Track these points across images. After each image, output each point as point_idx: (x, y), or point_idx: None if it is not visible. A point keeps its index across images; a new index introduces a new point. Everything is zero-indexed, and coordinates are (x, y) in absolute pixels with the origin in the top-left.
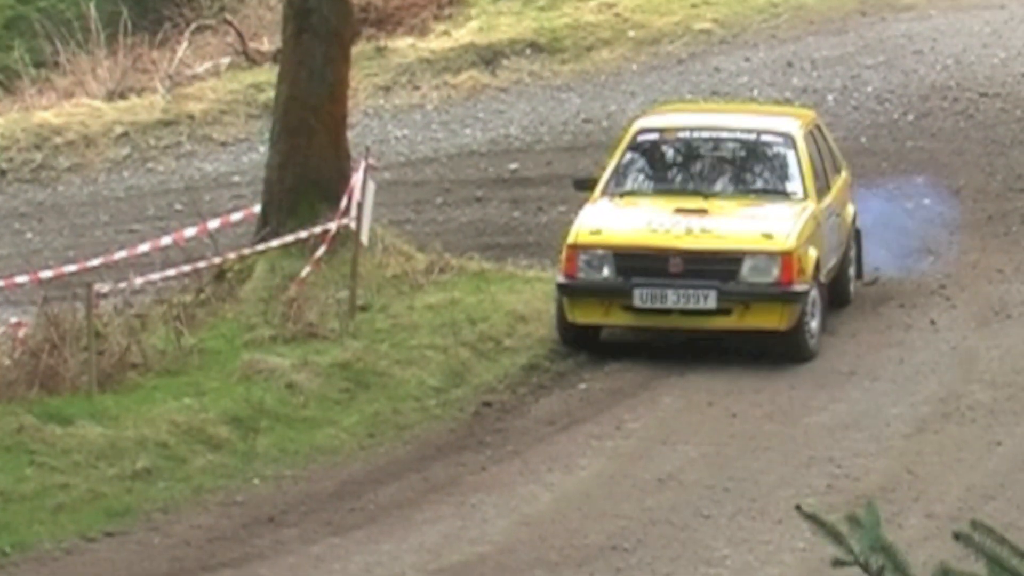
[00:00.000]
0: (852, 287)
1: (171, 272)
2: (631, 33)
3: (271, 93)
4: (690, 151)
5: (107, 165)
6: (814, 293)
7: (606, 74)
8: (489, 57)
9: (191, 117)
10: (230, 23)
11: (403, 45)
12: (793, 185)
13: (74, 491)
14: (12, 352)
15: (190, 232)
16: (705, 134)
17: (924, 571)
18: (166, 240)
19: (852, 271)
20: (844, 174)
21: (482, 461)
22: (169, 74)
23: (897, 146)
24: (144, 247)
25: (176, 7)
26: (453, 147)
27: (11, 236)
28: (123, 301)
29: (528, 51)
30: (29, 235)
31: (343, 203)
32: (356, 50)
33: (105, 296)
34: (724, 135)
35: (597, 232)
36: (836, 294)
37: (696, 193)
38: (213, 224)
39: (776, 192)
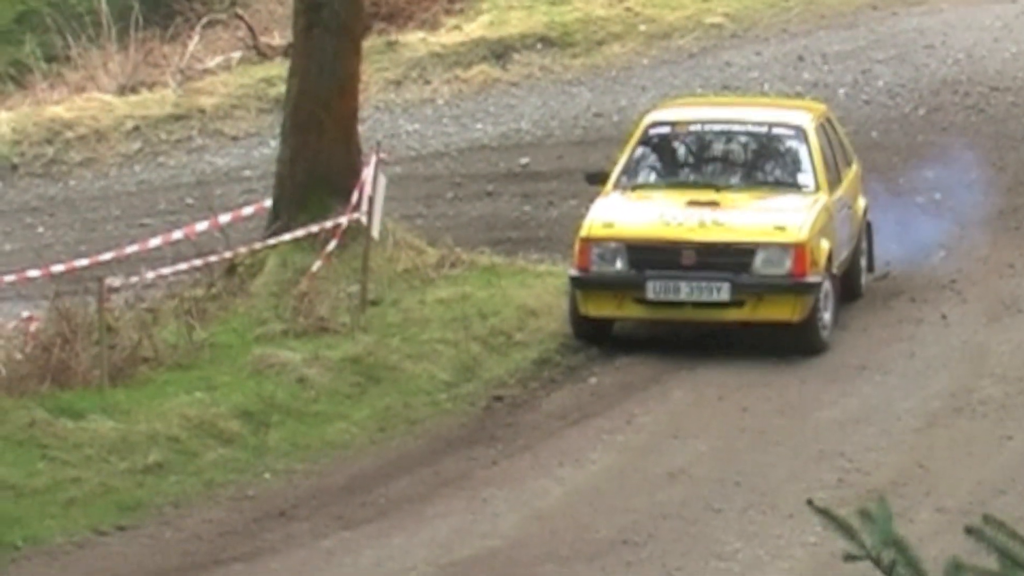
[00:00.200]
0: (864, 280)
1: (182, 266)
2: (642, 27)
3: (282, 87)
4: (702, 144)
5: (118, 159)
6: (827, 285)
7: (617, 68)
8: (500, 51)
9: (202, 111)
10: (241, 17)
11: (414, 39)
12: (805, 177)
13: (86, 485)
14: (24, 346)
15: (201, 226)
16: (717, 127)
17: (935, 566)
18: (177, 234)
19: (863, 264)
20: (855, 167)
21: (493, 455)
22: (180, 68)
23: (908, 140)
24: (155, 241)
25: (187, 1)
26: (464, 141)
27: (23, 230)
28: (134, 295)
29: (539, 45)
30: (41, 229)
31: (354, 197)
32: (367, 44)
33: (116, 290)
34: (736, 128)
35: (610, 225)
36: (848, 287)
37: (708, 186)
38: (224, 218)
39: (788, 184)
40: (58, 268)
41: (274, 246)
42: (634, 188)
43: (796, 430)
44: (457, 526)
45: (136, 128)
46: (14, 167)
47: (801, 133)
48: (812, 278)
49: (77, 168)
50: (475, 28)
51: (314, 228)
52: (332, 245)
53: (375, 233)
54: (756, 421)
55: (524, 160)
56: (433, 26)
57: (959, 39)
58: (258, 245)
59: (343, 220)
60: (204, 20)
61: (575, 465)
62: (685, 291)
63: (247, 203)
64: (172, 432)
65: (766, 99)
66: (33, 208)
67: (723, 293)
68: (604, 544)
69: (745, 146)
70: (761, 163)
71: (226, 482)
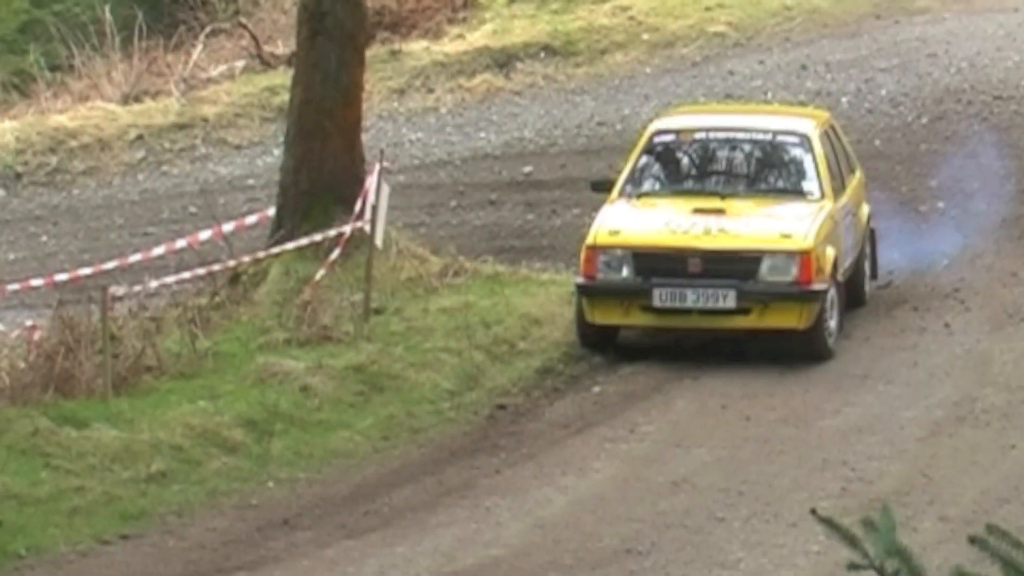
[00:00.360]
0: (867, 287)
1: (186, 275)
2: (645, 36)
3: (285, 96)
4: (706, 152)
5: (122, 168)
6: (832, 292)
7: (620, 77)
8: (503, 60)
9: (205, 120)
10: (244, 26)
11: (417, 48)
12: (810, 185)
13: (89, 494)
14: (27, 355)
15: (205, 235)
16: (721, 135)
17: (939, 575)
18: (181, 243)
19: (867, 271)
20: (858, 174)
21: (496, 464)
22: (184, 77)
23: (911, 149)
24: (159, 250)
25: (191, 11)
26: (467, 150)
27: (26, 239)
28: (138, 304)
29: (542, 54)
30: (44, 238)
31: (357, 206)
32: (370, 53)
33: (120, 299)
34: (740, 136)
35: (616, 233)
36: (851, 294)
37: (713, 194)
38: (228, 227)
39: (793, 192)
40: (62, 277)
41: (277, 255)
42: (639, 196)
43: (799, 439)
44: (460, 535)
45: (140, 137)
46: (18, 176)
47: (805, 141)
48: (818, 285)
49: (81, 177)
50: (478, 37)
51: (317, 237)
52: (335, 254)
53: (378, 242)
54: (759, 430)
55: (527, 169)
56: (436, 35)
57: (962, 48)
58: (261, 254)
59: (346, 229)
60: (208, 29)
61: (578, 474)
62: (691, 299)
63: (250, 212)
64: (175, 441)
65: (770, 107)
66: (37, 217)
67: (729, 301)
68: (607, 553)
69: (749, 154)
70: (766, 171)
71: (229, 491)
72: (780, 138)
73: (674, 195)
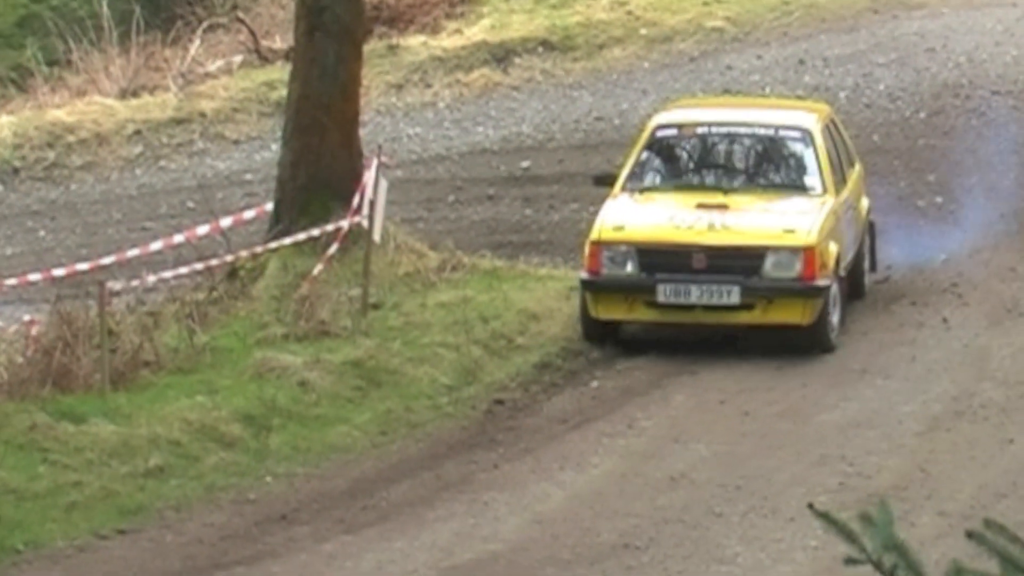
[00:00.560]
0: (867, 280)
1: (183, 270)
2: (643, 31)
3: (283, 91)
4: (708, 146)
5: (120, 163)
6: (835, 287)
7: (618, 72)
8: (501, 55)
9: (203, 115)
10: (242, 21)
11: (415, 43)
12: (812, 179)
13: (87, 489)
14: (25, 350)
15: (202, 230)
16: (723, 129)
17: (937, 570)
18: (179, 238)
19: (866, 264)
20: (858, 167)
21: (494, 459)
22: (181, 72)
23: (909, 144)
24: (157, 245)
25: (188, 5)
26: (465, 145)
27: (24, 234)
28: (136, 299)
29: (540, 49)
30: (42, 233)
31: (355, 201)
32: (368, 48)
33: (118, 294)
34: (742, 130)
35: (620, 228)
36: (851, 287)
37: (716, 188)
38: (225, 222)
39: (795, 187)
40: (59, 272)
41: (275, 250)
42: (642, 191)
43: (798, 434)
44: (458, 530)
45: (137, 132)
46: (15, 171)
47: (807, 135)
48: (822, 281)
49: (78, 172)
50: (476, 32)
51: (315, 232)
52: (333, 249)
53: (376, 237)
54: (757, 425)
55: (525, 164)
56: (434, 30)
57: (960, 43)
58: (259, 249)
59: (344, 224)
60: (205, 24)
61: (576, 469)
62: (695, 294)
63: (248, 207)
64: (173, 436)
65: (771, 100)
66: (34, 212)
67: (733, 296)
68: (605, 548)
69: (752, 148)
70: (768, 166)
71: (227, 486)
72: (782, 133)
73: (676, 189)
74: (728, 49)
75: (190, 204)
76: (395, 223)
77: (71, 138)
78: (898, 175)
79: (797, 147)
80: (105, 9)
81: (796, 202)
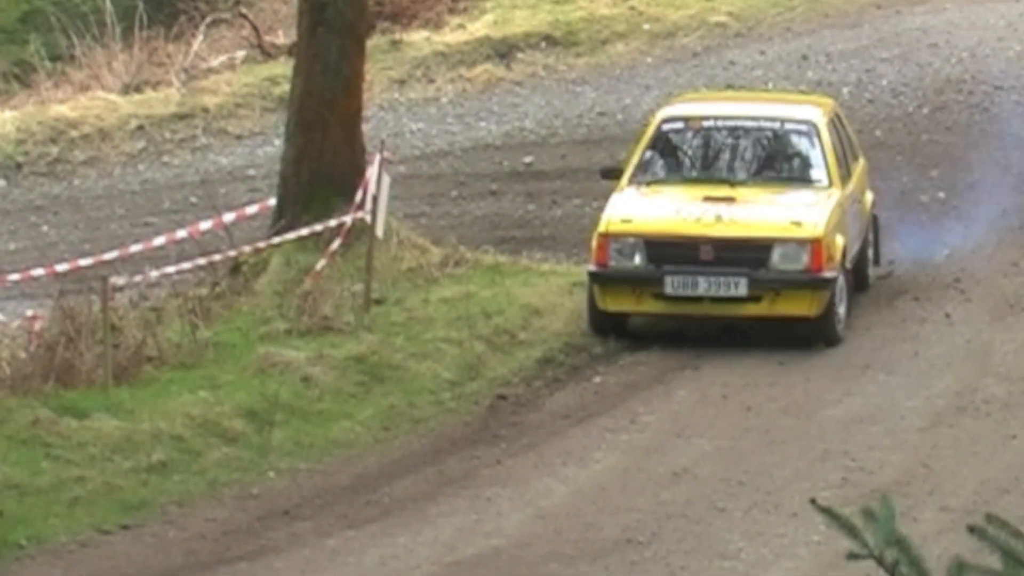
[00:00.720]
0: (870, 272)
1: (186, 265)
2: (646, 26)
3: (286, 87)
4: (715, 140)
5: (122, 159)
6: (841, 279)
7: (621, 67)
8: (504, 51)
9: (206, 111)
10: (245, 17)
11: (418, 39)
12: (818, 172)
13: (89, 484)
14: (28, 345)
15: (205, 225)
16: (729, 123)
17: (939, 565)
18: (181, 233)
19: (870, 257)
20: (862, 161)
21: (497, 455)
22: (184, 68)
23: (912, 139)
24: (159, 240)
25: (192, 0)
26: (468, 140)
27: (27, 229)
28: (138, 294)
29: (543, 44)
30: (45, 228)
31: (358, 196)
32: (371, 44)
33: (120, 289)
34: (748, 124)
35: (628, 220)
36: (855, 280)
37: (722, 181)
38: (228, 217)
39: (801, 180)
40: (62, 267)
41: (278, 245)
42: (649, 184)
43: (800, 429)
44: (461, 525)
45: (140, 127)
46: (19, 166)
47: (813, 128)
48: (828, 273)
49: (81, 167)
50: (479, 27)
51: (318, 227)
52: (336, 244)
53: (379, 232)
54: (760, 420)
55: (528, 159)
56: (437, 25)
57: (963, 38)
58: (262, 244)
59: (347, 219)
60: (208, 19)
61: (579, 464)
62: (703, 286)
63: (251, 202)
64: (176, 431)
65: (777, 94)
66: (37, 207)
67: (741, 288)
68: (608, 543)
69: (758, 142)
70: (774, 159)
71: (230, 481)
72: (788, 126)
73: (683, 183)
74: (731, 44)
75: (193, 199)
76: (398, 218)
77: (74, 133)
78: (901, 170)
79: (803, 140)
80: (108, 4)
81: (802, 195)
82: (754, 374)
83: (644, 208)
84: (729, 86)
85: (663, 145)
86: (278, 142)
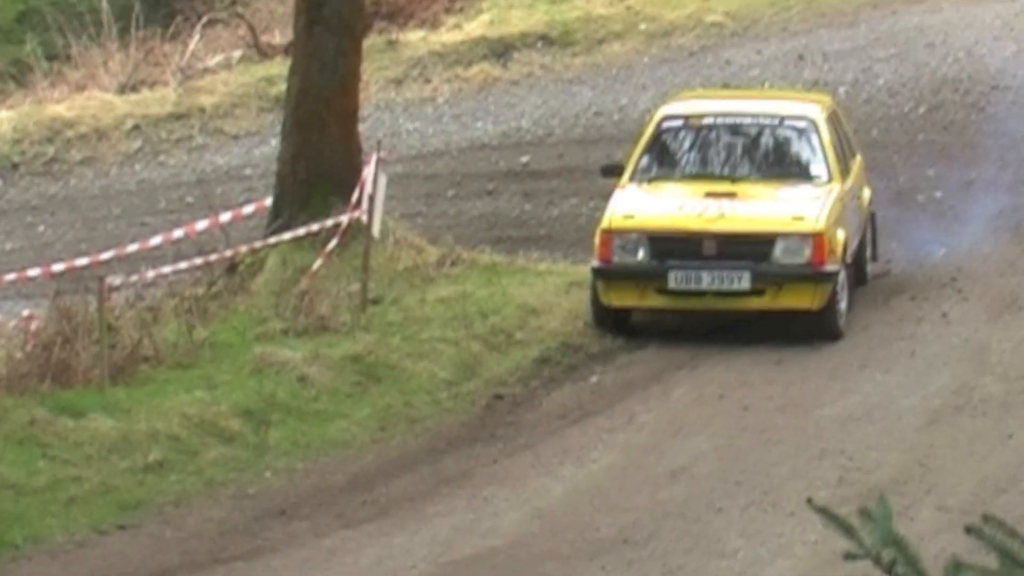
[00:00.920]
0: (869, 268)
1: (183, 265)
2: (642, 26)
3: (283, 86)
4: (715, 137)
5: (119, 158)
6: (842, 273)
7: (617, 67)
8: (500, 50)
9: (203, 110)
10: (242, 16)
11: (414, 38)
12: (818, 168)
13: (86, 484)
14: (24, 345)
15: (202, 225)
16: (729, 120)
17: (936, 564)
18: (178, 233)
19: (868, 253)
20: (859, 157)
21: (494, 454)
22: (181, 67)
23: (909, 139)
24: (156, 240)
25: (188, 0)
26: (464, 140)
27: (23, 229)
28: (135, 294)
29: (539, 44)
30: (41, 228)
31: (355, 196)
32: (367, 43)
33: (117, 289)
34: (748, 120)
35: (631, 216)
36: (855, 275)
37: (723, 177)
38: (225, 217)
39: (802, 175)
40: (59, 267)
41: (275, 245)
42: (650, 181)
43: (797, 428)
44: (458, 525)
45: (137, 127)
46: (15, 166)
47: (812, 124)
48: (830, 267)
49: (78, 167)
50: (476, 27)
51: (315, 227)
52: (333, 244)
53: (376, 232)
54: (757, 419)
55: (524, 159)
56: (434, 25)
57: (959, 37)
58: (259, 244)
59: (344, 219)
60: (205, 19)
61: (576, 464)
62: (707, 280)
63: (248, 202)
64: (173, 431)
65: (775, 92)
66: (34, 207)
67: (744, 282)
68: (605, 543)
69: (758, 138)
70: (774, 155)
71: (227, 481)
72: (788, 122)
73: (684, 179)
74: (727, 44)
75: (189, 199)
76: (394, 218)
77: (70, 133)
78: (897, 170)
79: (803, 136)
80: (104, 4)
81: (803, 190)
82: (751, 373)
83: (647, 204)
84: (726, 85)
85: (664, 142)
86: (274, 142)
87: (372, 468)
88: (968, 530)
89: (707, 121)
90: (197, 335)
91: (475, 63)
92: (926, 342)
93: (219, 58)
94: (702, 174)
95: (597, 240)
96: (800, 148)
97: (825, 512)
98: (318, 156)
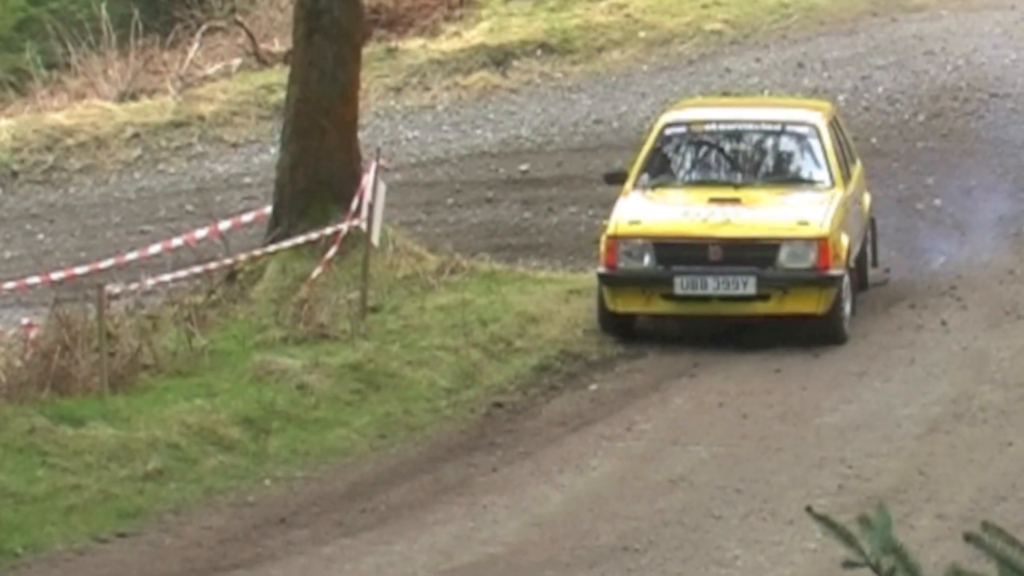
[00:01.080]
0: (869, 273)
1: (182, 273)
2: (642, 34)
3: (282, 94)
4: (718, 143)
5: (118, 166)
6: (846, 278)
7: (617, 75)
8: (500, 58)
9: (202, 118)
10: (241, 24)
11: (414, 46)
12: (820, 173)
13: (86, 492)
14: (24, 353)
15: (201, 233)
16: (732, 126)
17: (935, 572)
18: (177, 241)
19: (869, 258)
20: (859, 164)
21: (493, 462)
22: (180, 75)
23: (908, 147)
24: (155, 248)
25: (187, 8)
26: (464, 148)
27: (23, 237)
28: (134, 302)
29: (539, 52)
30: (41, 236)
31: (354, 204)
32: (367, 51)
33: (116, 297)
34: (750, 127)
35: (636, 223)
36: (856, 280)
37: (726, 184)
38: (224, 225)
39: (805, 180)
40: (58, 275)
41: (274, 253)
42: (654, 187)
43: (797, 437)
44: (457, 532)
45: (136, 135)
46: (14, 174)
47: (814, 131)
48: (835, 271)
49: (77, 175)
50: (475, 35)
51: (314, 235)
52: (332, 252)
53: (375, 240)
54: (756, 428)
55: (524, 167)
56: (433, 33)
57: (959, 45)
58: (258, 252)
59: (343, 227)
60: (204, 27)
61: (575, 472)
62: (712, 286)
63: (247, 210)
64: (172, 439)
65: (776, 99)
66: (33, 215)
67: (749, 287)
68: (605, 551)
69: (760, 144)
70: (777, 160)
71: (226, 489)
72: (790, 128)
73: (688, 185)
74: (727, 52)
75: (189, 207)
76: (394, 226)
77: (70, 141)
78: (897, 177)
79: (805, 142)
80: (104, 12)
81: (806, 195)
82: (751, 381)
83: (651, 210)
84: (725, 93)
85: (667, 149)
86: (274, 150)
87: (372, 476)
88: (967, 538)
89: (710, 128)
90: (196, 343)
91: (474, 71)
92: (925, 350)
93: (218, 66)
94: (705, 180)
95: (603, 246)
96: (803, 154)
97: (824, 520)
98: (317, 164)
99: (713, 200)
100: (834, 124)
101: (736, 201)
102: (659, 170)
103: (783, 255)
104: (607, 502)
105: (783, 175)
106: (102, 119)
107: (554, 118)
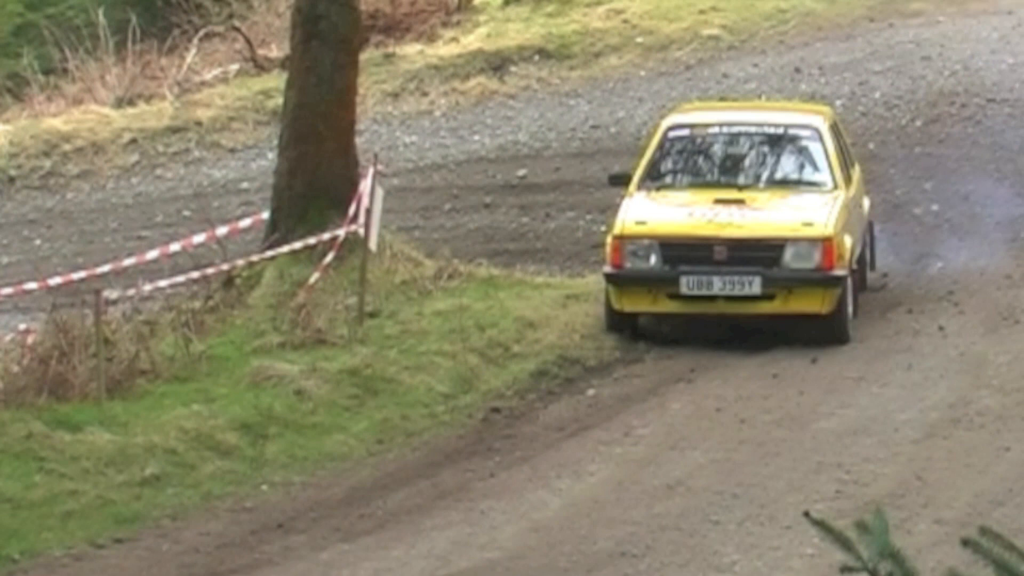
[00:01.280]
0: (868, 275)
1: (180, 279)
2: (639, 39)
3: (280, 100)
4: (721, 146)
5: (116, 172)
6: (850, 278)
7: (614, 80)
8: (497, 63)
9: (200, 124)
10: (238, 30)
11: (411, 52)
12: (823, 175)
13: (83, 498)
14: (21, 359)
15: (199, 239)
16: (735, 129)
17: None
18: (175, 247)
19: (868, 260)
20: (858, 167)
21: (491, 467)
22: (178, 81)
23: (905, 152)
24: (153, 254)
25: (185, 14)
26: (462, 153)
27: (20, 243)
28: (132, 308)
29: (536, 57)
30: (38, 242)
31: (352, 209)
32: (364, 57)
33: (114, 303)
34: (753, 130)
35: (642, 223)
36: (857, 281)
37: (730, 185)
38: (222, 231)
39: (807, 182)
40: (55, 281)
41: (272, 258)
42: (658, 189)
43: (795, 442)
44: (455, 538)
45: (133, 140)
46: (12, 179)
47: (817, 133)
48: (839, 271)
49: (74, 180)
50: (473, 40)
51: (312, 240)
52: (330, 257)
53: (373, 245)
54: (754, 433)
55: (522, 172)
56: (431, 38)
57: (956, 51)
58: (256, 257)
59: (341, 232)
60: (201, 33)
61: (573, 477)
62: (718, 286)
63: (245, 215)
64: (170, 444)
65: (777, 103)
66: (31, 221)
67: (755, 287)
68: (602, 556)
69: (763, 147)
70: (780, 163)
71: (224, 494)
72: (792, 131)
73: (692, 187)
74: (724, 57)
75: (186, 213)
76: (391, 231)
77: (67, 147)
78: (894, 183)
79: (807, 144)
80: (101, 18)
81: (810, 197)
82: (748, 387)
83: (657, 211)
84: (723, 98)
85: (670, 152)
86: (271, 155)
87: (369, 481)
88: (965, 543)
89: (713, 130)
90: (194, 349)
91: (472, 76)
92: (923, 355)
93: (216, 72)
94: (709, 182)
95: (608, 247)
96: (805, 156)
97: (822, 525)
98: (315, 169)
99: (718, 201)
100: (835, 128)
101: (741, 202)
102: (663, 172)
103: (788, 255)
104: (605, 507)
105: (786, 177)
106: (99, 125)
107: (552, 123)
